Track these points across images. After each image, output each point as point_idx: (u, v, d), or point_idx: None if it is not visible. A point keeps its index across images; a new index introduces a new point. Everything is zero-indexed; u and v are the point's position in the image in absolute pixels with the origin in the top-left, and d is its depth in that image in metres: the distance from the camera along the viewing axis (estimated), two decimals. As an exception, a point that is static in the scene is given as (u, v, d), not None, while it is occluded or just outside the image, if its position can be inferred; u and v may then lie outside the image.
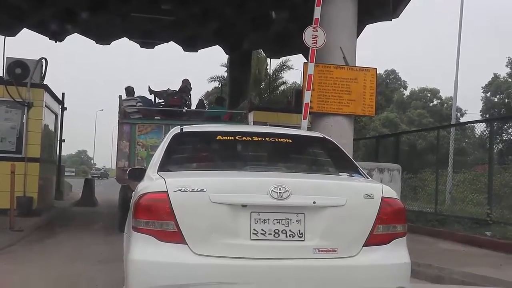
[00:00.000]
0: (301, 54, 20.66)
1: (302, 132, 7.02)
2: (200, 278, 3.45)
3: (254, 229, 3.56)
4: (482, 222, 9.43)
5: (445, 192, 13.50)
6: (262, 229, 3.57)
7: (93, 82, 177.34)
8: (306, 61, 10.93)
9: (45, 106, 13.10)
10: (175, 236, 3.50)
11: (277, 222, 3.59)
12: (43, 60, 13.11)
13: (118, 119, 11.11)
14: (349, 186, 4.02)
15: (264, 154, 4.78)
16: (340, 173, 4.46)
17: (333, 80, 11.02)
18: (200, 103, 15.13)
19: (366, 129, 38.49)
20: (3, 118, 12.46)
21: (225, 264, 3.48)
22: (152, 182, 3.83)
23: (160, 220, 3.53)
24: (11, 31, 19.88)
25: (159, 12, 16.62)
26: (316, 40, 10.61)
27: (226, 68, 31.36)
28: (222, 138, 4.62)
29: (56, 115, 15.36)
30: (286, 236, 3.59)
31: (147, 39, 20.74)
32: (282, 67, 33.66)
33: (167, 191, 3.54)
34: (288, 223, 3.61)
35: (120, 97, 11.49)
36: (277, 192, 3.55)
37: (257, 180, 3.78)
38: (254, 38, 20.30)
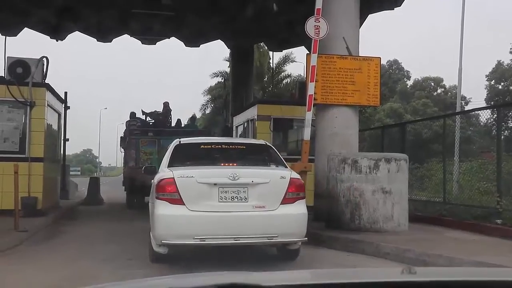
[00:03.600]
0: (303, 47, 20.62)
1: (252, 141, 10.27)
2: (192, 222, 6.53)
3: (220, 196, 6.62)
4: (492, 210, 9.28)
5: (452, 181, 13.34)
6: (225, 196, 6.62)
7: (97, 80, 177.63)
8: (308, 52, 10.79)
9: (48, 105, 13.00)
10: (179, 201, 6.54)
11: (233, 192, 6.64)
12: (44, 59, 13.00)
13: (125, 134, 18.12)
14: (272, 172, 7.09)
15: (228, 155, 7.64)
16: (270, 165, 7.46)
17: (336, 71, 10.91)
18: (178, 122, 19.33)
19: (370, 120, 38.29)
20: (6, 119, 12.38)
21: (205, 214, 6.56)
22: (165, 173, 6.93)
23: (170, 192, 6.57)
24: (12, 31, 19.84)
25: (159, 7, 16.51)
26: (319, 31, 10.48)
27: (229, 63, 31.21)
28: (204, 146, 7.97)
29: (59, 114, 15.24)
30: (238, 200, 6.64)
31: (148, 35, 20.64)
32: (285, 60, 33.55)
33: (173, 177, 6.64)
34: (238, 193, 6.65)
35: (127, 122, 18.25)
36: (232, 176, 6.61)
37: (222, 170, 6.86)
38: (256, 31, 20.16)
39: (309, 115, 10.49)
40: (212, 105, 37.75)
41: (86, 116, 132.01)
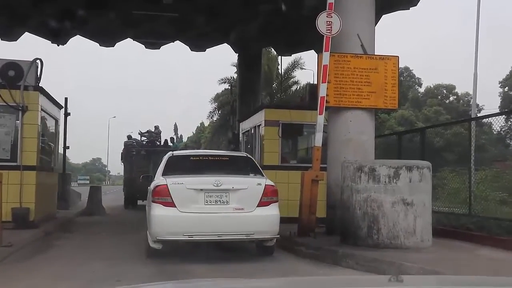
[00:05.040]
0: (313, 51, 19.80)
1: (234, 153, 11.09)
2: (182, 221, 7.65)
3: (206, 200, 7.76)
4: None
5: (467, 191, 12.49)
6: (210, 200, 7.75)
7: (106, 89, 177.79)
8: (320, 53, 9.91)
9: (42, 110, 12.22)
10: (171, 204, 7.66)
11: (216, 197, 7.77)
12: (38, 61, 12.23)
13: (123, 152, 23.30)
14: (250, 180, 8.25)
15: (213, 165, 8.83)
16: (250, 174, 8.61)
17: (350, 71, 10.03)
18: (165, 142, 24.20)
19: (383, 126, 37.29)
20: (-4, 124, 11.61)
21: (193, 215, 7.70)
22: (160, 180, 8.05)
23: (164, 197, 7.70)
24: (12, 36, 19.24)
25: (161, 8, 15.75)
26: (331, 27, 9.62)
27: (236, 69, 30.44)
28: (193, 158, 9.37)
29: (56, 120, 14.46)
30: (220, 203, 7.76)
31: (152, 39, 19.92)
32: (294, 66, 32.65)
33: (167, 184, 7.79)
34: (221, 197, 7.77)
35: (124, 142, 23.68)
36: (216, 183, 7.75)
37: (207, 178, 7.98)
38: (264, 35, 19.39)
39: (321, 119, 9.61)
40: (219, 112, 36.95)
41: (96, 124, 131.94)
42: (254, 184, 8.01)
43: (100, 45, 20.63)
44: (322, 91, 9.61)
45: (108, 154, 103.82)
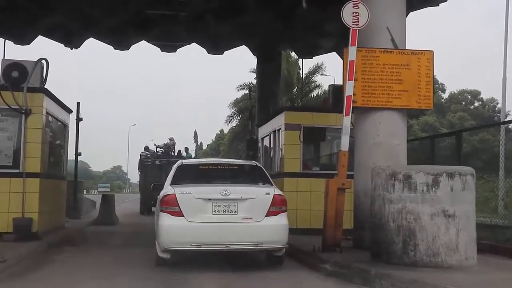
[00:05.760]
0: (335, 52, 18.85)
1: (244, 162, 10.08)
2: (190, 231, 7.65)
3: (214, 210, 7.77)
4: None
5: (497, 200, 11.53)
6: (218, 210, 7.77)
7: (126, 97, 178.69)
8: (345, 47, 8.98)
9: (48, 113, 11.48)
10: (179, 214, 7.68)
11: (224, 206, 7.78)
12: (44, 61, 11.49)
13: (140, 162, 25.06)
14: (258, 189, 8.24)
15: (222, 174, 8.79)
16: (259, 183, 8.53)
17: (380, 68, 9.08)
18: (179, 152, 25.69)
19: (411, 130, 36.00)
20: (-2, 128, 10.89)
21: (201, 225, 7.68)
22: (168, 189, 8.12)
23: (172, 206, 7.75)
24: (25, 39, 18.67)
25: (175, 7, 14.97)
26: (358, 19, 8.69)
27: (255, 75, 29.60)
28: (202, 167, 9.28)
29: (65, 125, 13.72)
30: (228, 213, 7.77)
31: (167, 41, 19.14)
32: (315, 71, 31.58)
33: (175, 193, 7.84)
34: (229, 206, 7.78)
35: (141, 153, 25.73)
36: (224, 193, 7.79)
37: (215, 188, 8.02)
38: (284, 36, 18.51)
39: (347, 121, 8.65)
40: (238, 117, 36.07)
41: (117, 132, 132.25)
42: (263, 194, 8.02)
43: (114, 48, 19.94)
44: (349, 90, 8.66)
45: (128, 162, 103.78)
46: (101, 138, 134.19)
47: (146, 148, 26.27)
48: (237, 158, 25.02)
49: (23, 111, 10.72)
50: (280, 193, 8.17)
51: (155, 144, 26.84)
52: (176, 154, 25.24)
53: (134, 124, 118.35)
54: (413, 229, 7.14)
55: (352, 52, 8.68)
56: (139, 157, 25.35)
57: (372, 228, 7.80)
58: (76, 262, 8.85)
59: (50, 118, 11.98)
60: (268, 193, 7.98)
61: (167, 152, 25.42)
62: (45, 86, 11.45)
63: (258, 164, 9.53)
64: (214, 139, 72.58)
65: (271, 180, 8.63)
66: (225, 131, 55.27)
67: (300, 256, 8.96)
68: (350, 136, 8.90)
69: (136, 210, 24.14)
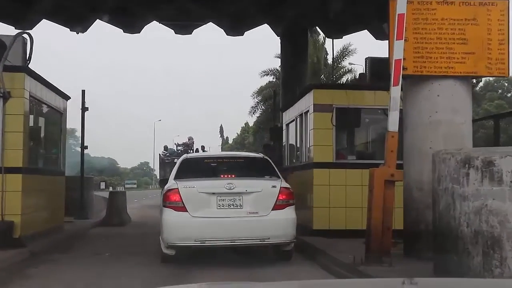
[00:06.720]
0: (366, 30, 16.79)
1: (250, 154, 11.06)
2: (194, 226, 7.56)
3: (218, 204, 7.69)
4: None
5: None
6: (222, 204, 7.70)
7: (151, 94, 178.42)
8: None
9: (32, 97, 9.76)
10: (182, 209, 7.61)
11: (229, 200, 7.70)
12: (26, 35, 9.79)
13: (160, 161, 27.81)
14: (264, 182, 8.14)
15: (227, 167, 8.85)
16: (265, 176, 8.42)
17: (437, 24, 7.06)
18: (197, 150, 26.88)
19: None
20: (-28, 116, 9.21)
21: (205, 220, 7.61)
22: (171, 184, 8.06)
23: (175, 201, 7.72)
24: (27, 24, 17.11)
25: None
26: (408, -42, 6.63)
27: (280, 60, 27.66)
28: (206, 160, 9.50)
29: (61, 113, 12.01)
30: (234, 207, 7.69)
31: (181, 21, 17.29)
32: (343, 54, 29.31)
33: (178, 188, 7.77)
34: (234, 200, 7.70)
35: (160, 154, 28.50)
36: (228, 186, 7.70)
37: (220, 181, 8.06)
38: (310, 11, 16.45)
39: (396, 92, 6.66)
40: (263, 107, 34.06)
41: (144, 128, 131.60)
42: (269, 187, 7.92)
43: (124, 32, 18.24)
44: (398, 52, 6.64)
45: (154, 158, 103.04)
46: (128, 134, 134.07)
47: (165, 148, 28.48)
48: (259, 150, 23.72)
49: (1, 95, 9.03)
50: (287, 185, 8.07)
51: (175, 143, 29.27)
52: (194, 152, 26.91)
53: (160, 120, 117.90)
54: (498, 236, 5.12)
55: (401, 3, 6.65)
56: (159, 156, 28.10)
57: (435, 233, 5.81)
58: (55, 277, 7.07)
59: (37, 103, 10.26)
60: (274, 186, 7.87)
61: (186, 151, 27.16)
62: (28, 65, 9.74)
63: (265, 157, 9.22)
64: (239, 133, 70.75)
65: (278, 173, 8.47)
66: (250, 124, 53.33)
67: (335, 268, 7.06)
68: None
69: (157, 207, 22.66)
